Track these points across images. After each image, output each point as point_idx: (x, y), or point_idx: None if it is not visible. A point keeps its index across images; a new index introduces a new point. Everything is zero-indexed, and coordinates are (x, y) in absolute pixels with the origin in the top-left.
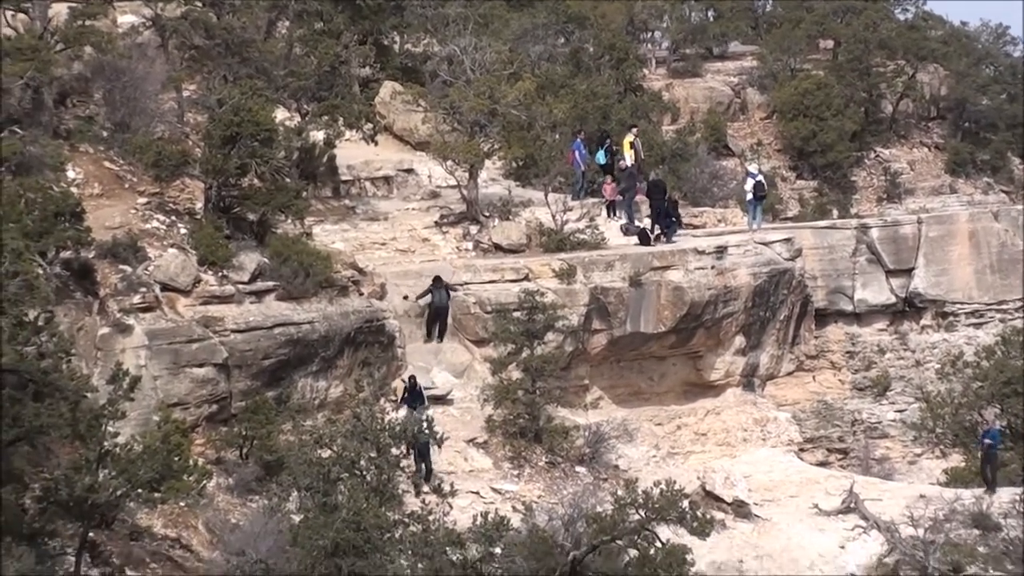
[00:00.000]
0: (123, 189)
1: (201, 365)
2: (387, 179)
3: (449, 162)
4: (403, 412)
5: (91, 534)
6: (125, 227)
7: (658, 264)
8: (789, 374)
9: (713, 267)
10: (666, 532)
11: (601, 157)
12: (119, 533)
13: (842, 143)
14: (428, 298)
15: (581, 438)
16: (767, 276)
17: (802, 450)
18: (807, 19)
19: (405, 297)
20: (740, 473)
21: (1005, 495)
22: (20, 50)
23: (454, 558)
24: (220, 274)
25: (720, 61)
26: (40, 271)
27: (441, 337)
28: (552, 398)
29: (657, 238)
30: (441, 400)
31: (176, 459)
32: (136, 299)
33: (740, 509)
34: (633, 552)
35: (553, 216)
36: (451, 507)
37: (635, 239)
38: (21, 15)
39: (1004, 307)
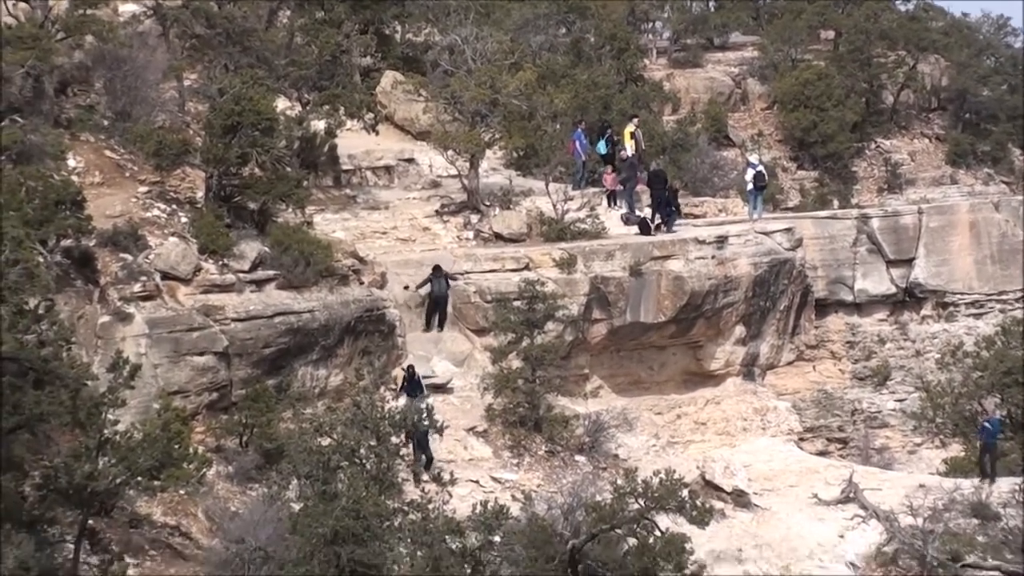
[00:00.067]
0: (124, 178)
1: (201, 353)
2: (388, 168)
3: (450, 152)
4: (403, 401)
5: (91, 522)
6: (126, 216)
7: (658, 254)
8: (789, 364)
9: (713, 257)
10: (665, 521)
11: (602, 147)
12: (119, 521)
13: (843, 133)
14: (427, 287)
15: (581, 427)
16: (767, 266)
17: (802, 440)
18: (808, 10)
19: (406, 287)
20: (740, 462)
21: (1004, 485)
22: (21, 39)
23: (453, 546)
24: (221, 263)
25: (721, 51)
26: (41, 259)
27: (441, 326)
28: (552, 387)
29: (657, 228)
30: (441, 389)
31: (176, 447)
32: (137, 288)
33: (740, 498)
34: (632, 541)
35: (554, 205)
36: (450, 495)
37: (635, 229)
38: (22, 4)
39: (1004, 298)
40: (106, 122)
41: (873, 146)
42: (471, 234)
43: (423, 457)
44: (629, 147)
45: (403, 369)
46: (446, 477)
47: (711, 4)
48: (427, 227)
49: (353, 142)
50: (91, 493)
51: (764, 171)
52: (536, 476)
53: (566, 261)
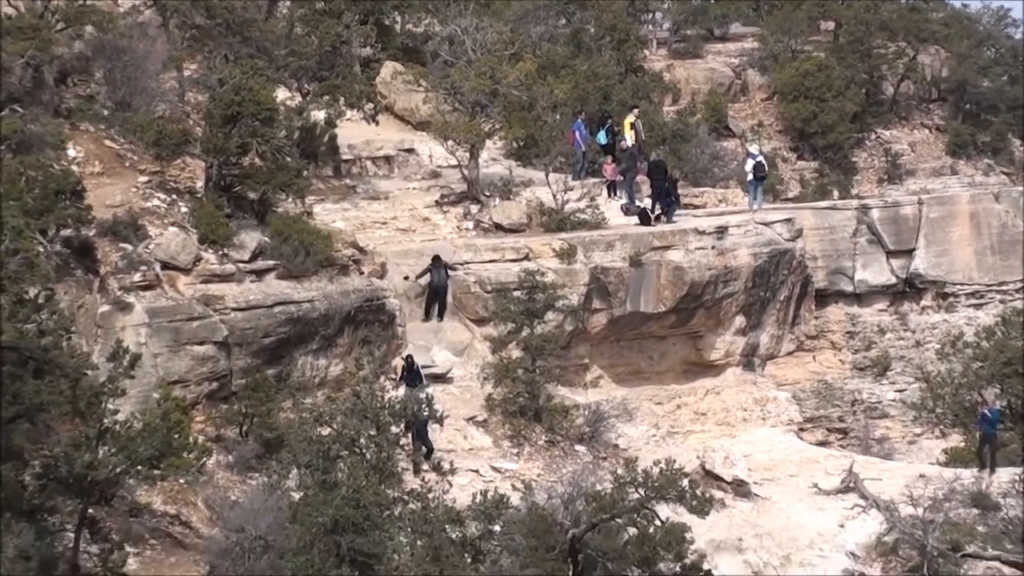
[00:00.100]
0: (124, 168)
1: (201, 343)
2: (388, 159)
3: (450, 142)
4: (402, 391)
5: (90, 511)
6: (126, 205)
7: (658, 244)
8: (789, 354)
9: (713, 247)
10: (665, 511)
11: (602, 137)
12: (118, 510)
13: (843, 124)
14: (427, 277)
15: (581, 417)
16: (767, 256)
17: (802, 430)
18: (808, 0)
19: (406, 278)
20: (740, 452)
21: (1004, 475)
22: (21, 29)
23: (453, 536)
24: (220, 253)
25: (721, 42)
26: (40, 249)
27: (441, 316)
28: (552, 377)
29: (657, 218)
30: (441, 379)
31: (176, 436)
32: (136, 277)
33: (740, 488)
34: (632, 530)
35: (554, 196)
36: (450, 485)
37: (635, 219)
38: None
39: (1004, 288)
40: (106, 112)
41: (873, 137)
42: (471, 224)
43: (423, 447)
44: (629, 137)
45: (403, 359)
46: (446, 467)
47: None
48: (427, 217)
49: (353, 132)
50: (91, 482)
51: (764, 162)
52: (536, 466)
53: (566, 251)
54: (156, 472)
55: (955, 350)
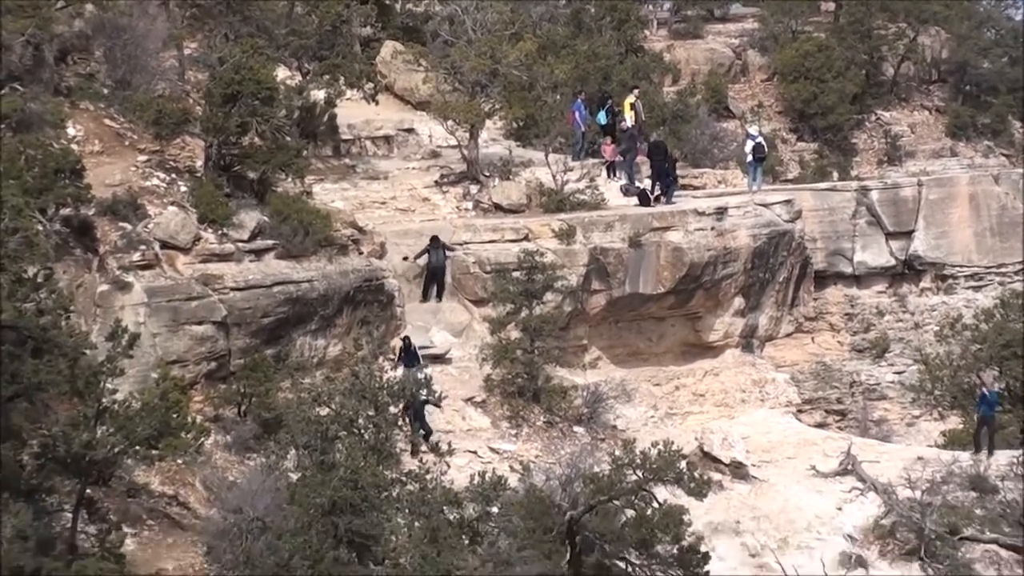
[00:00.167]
0: (123, 147)
1: (200, 323)
2: (387, 138)
3: (450, 122)
4: (400, 371)
5: (88, 491)
6: (125, 184)
7: (658, 225)
8: (788, 335)
9: (713, 228)
10: (663, 493)
11: (602, 118)
12: (116, 490)
13: (843, 105)
14: (425, 258)
15: (579, 398)
16: (767, 238)
17: (800, 411)
18: None
19: (405, 258)
20: (738, 434)
21: (1002, 457)
22: (21, 7)
23: (451, 517)
24: (220, 232)
25: (721, 23)
26: (40, 228)
27: (439, 297)
28: (550, 358)
29: (657, 199)
30: (440, 359)
31: (174, 416)
32: (136, 256)
33: (738, 470)
34: (630, 512)
35: (553, 176)
36: (448, 466)
37: (635, 200)
38: None
39: (1003, 270)
40: (106, 91)
41: (873, 118)
42: (470, 204)
43: (421, 429)
44: (629, 118)
45: (401, 340)
46: (444, 447)
47: None
48: (426, 197)
49: (353, 112)
50: (89, 462)
51: (764, 143)
52: (534, 447)
53: (565, 232)
54: (154, 452)
55: (954, 332)
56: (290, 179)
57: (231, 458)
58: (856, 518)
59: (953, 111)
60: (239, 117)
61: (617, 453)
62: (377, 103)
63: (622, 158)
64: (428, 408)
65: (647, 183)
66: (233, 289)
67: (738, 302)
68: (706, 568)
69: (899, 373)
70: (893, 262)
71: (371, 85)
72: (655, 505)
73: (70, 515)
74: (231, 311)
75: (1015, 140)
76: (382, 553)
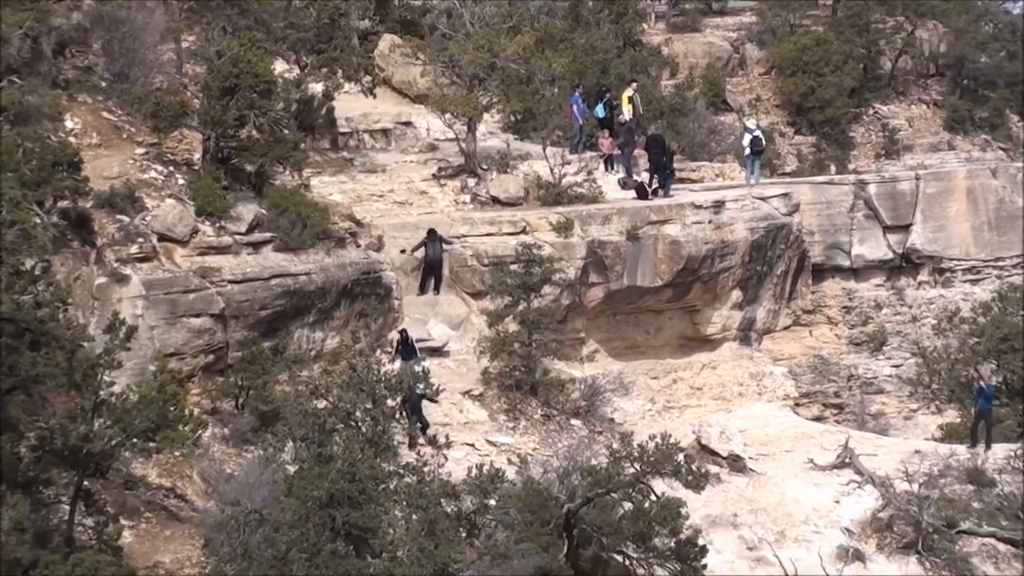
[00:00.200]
0: (121, 139)
1: (198, 315)
2: (385, 132)
3: (447, 115)
4: (398, 364)
5: (86, 483)
6: (123, 177)
7: (655, 218)
8: (785, 329)
9: (710, 221)
10: (661, 485)
11: (600, 111)
12: (114, 482)
13: (840, 99)
14: (422, 251)
15: (577, 391)
16: (764, 231)
17: (798, 405)
18: None
19: (403, 251)
20: (735, 427)
21: (1000, 451)
22: (20, 0)
23: (449, 510)
24: (217, 225)
25: (719, 16)
26: (37, 220)
27: (437, 289)
28: (548, 351)
29: (655, 192)
30: (438, 352)
31: (172, 409)
32: (133, 249)
33: (735, 463)
34: (628, 505)
35: (551, 170)
36: (446, 459)
37: (633, 193)
38: None
39: (1001, 264)
40: (104, 83)
41: (871, 112)
42: (468, 198)
43: (418, 422)
44: (627, 111)
45: (398, 333)
46: (441, 440)
47: None
48: (424, 190)
49: (351, 105)
50: (87, 455)
51: (761, 136)
52: (532, 440)
53: (563, 225)
54: (151, 445)
55: (951, 325)
56: (288, 172)
57: (229, 450)
58: (853, 511)
59: (951, 105)
60: (237, 110)
61: (615, 446)
62: (375, 96)
63: (620, 151)
64: (424, 402)
65: (645, 176)
66: (231, 282)
67: (736, 295)
68: (703, 561)
69: (897, 366)
70: (891, 255)
71: (369, 78)
72: (652, 498)
73: (67, 507)
74: (229, 304)
75: (1013, 134)
76: (380, 546)
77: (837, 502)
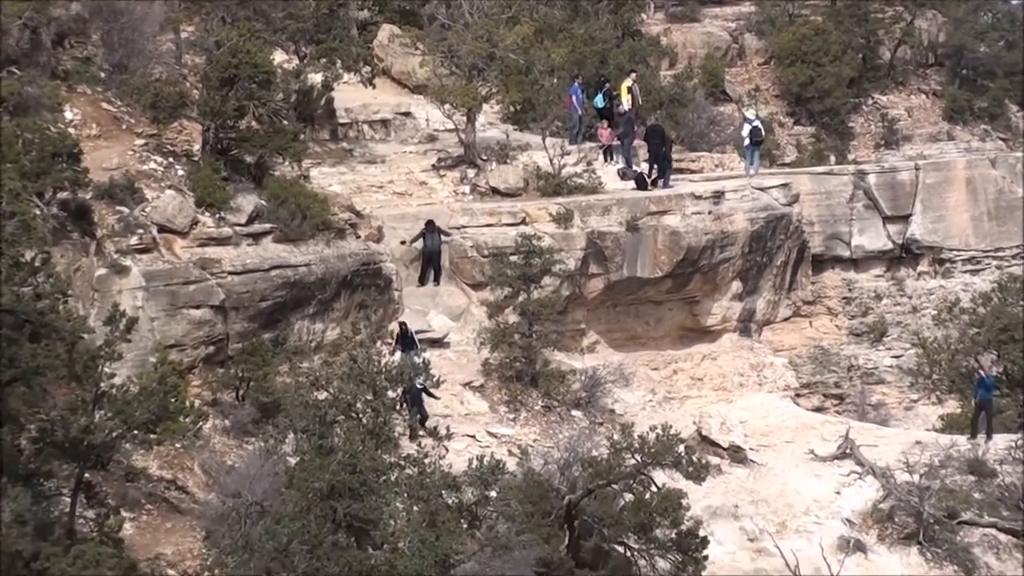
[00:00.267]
0: (121, 130)
1: (198, 307)
2: (385, 122)
3: (447, 106)
4: (398, 356)
5: (87, 475)
6: (122, 168)
7: (655, 209)
8: (786, 319)
9: (710, 212)
10: (662, 477)
11: (599, 101)
12: (115, 474)
13: (840, 89)
14: (421, 242)
15: (577, 382)
16: (764, 221)
17: (798, 395)
18: None
19: (402, 242)
20: (736, 418)
21: (1001, 442)
22: None
23: (449, 501)
24: (217, 216)
25: (718, 6)
26: (37, 212)
27: (437, 280)
28: (548, 342)
29: (654, 183)
30: (438, 343)
31: (172, 400)
32: (133, 240)
33: (736, 454)
34: (629, 496)
35: (550, 160)
36: (447, 450)
37: (632, 184)
38: None
39: (1001, 254)
40: (103, 74)
41: (870, 102)
42: (467, 188)
43: (418, 414)
44: (626, 102)
45: (398, 324)
46: (442, 432)
47: None
48: (424, 181)
49: (350, 95)
50: (87, 446)
51: (761, 126)
52: (532, 431)
53: (563, 216)
54: (152, 436)
55: (951, 316)
56: (287, 163)
57: (229, 442)
58: (854, 502)
59: (950, 95)
60: (236, 101)
61: (615, 437)
62: (374, 87)
63: (619, 142)
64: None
65: (644, 167)
66: (231, 273)
67: (736, 286)
68: (704, 552)
69: (897, 357)
70: (891, 246)
71: (368, 69)
72: (653, 489)
73: (68, 499)
74: (229, 295)
75: (1012, 124)
76: (381, 537)
77: (838, 493)
